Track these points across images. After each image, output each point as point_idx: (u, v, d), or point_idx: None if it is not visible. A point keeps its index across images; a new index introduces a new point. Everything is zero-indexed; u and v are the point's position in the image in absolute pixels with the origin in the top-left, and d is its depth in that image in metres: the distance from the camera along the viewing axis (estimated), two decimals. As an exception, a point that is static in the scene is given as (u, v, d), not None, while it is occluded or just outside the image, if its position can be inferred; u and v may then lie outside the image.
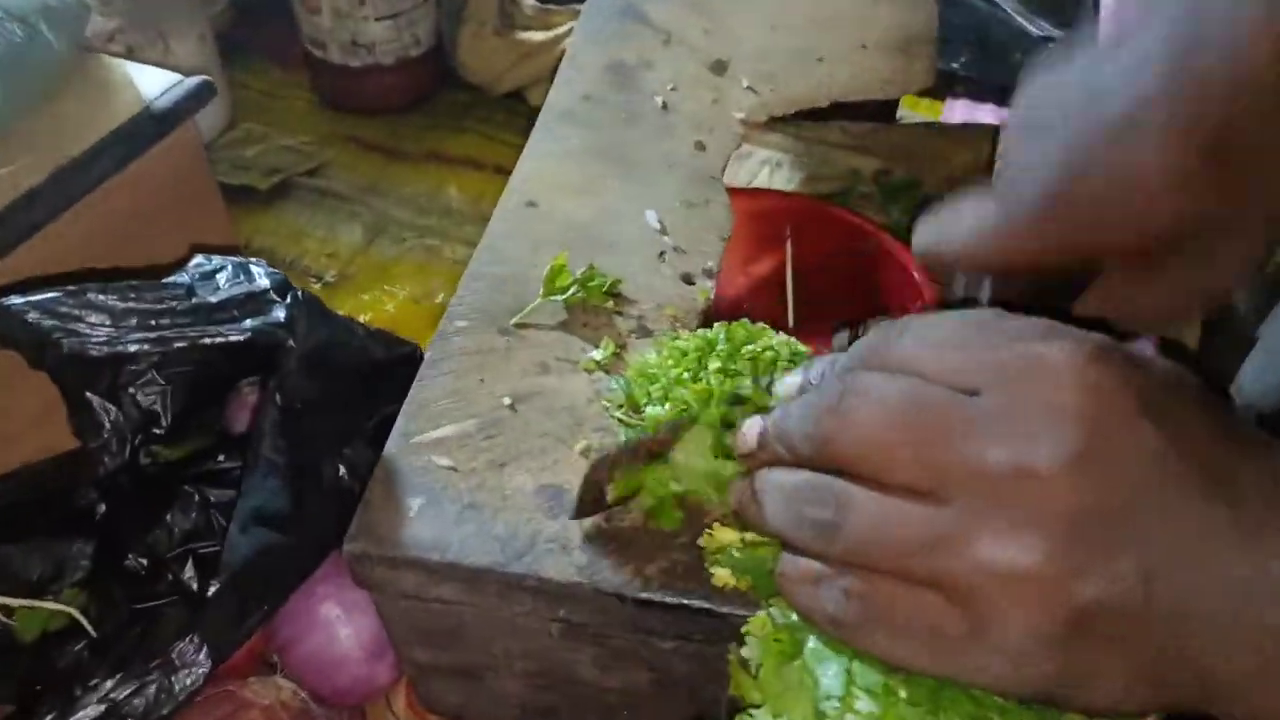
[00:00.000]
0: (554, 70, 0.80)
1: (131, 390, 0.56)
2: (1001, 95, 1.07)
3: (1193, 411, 0.35)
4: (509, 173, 0.68)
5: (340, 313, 0.62)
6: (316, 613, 0.55)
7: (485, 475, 0.49)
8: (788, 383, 0.42)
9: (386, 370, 0.62)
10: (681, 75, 0.77)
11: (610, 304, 0.59)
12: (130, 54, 0.87)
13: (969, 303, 0.47)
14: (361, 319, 0.70)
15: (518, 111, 1.08)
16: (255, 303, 0.49)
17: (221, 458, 0.58)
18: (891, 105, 1.02)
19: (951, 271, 0.47)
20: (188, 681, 0.46)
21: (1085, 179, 0.39)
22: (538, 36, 1.06)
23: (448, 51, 1.10)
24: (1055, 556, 0.32)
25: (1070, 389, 0.33)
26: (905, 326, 0.38)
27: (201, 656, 0.47)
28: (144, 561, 0.56)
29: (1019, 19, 1.11)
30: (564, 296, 0.58)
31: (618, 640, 0.48)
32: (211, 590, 0.48)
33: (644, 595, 0.45)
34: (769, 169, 0.92)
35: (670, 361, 0.51)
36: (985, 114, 1.06)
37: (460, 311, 0.57)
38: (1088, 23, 0.44)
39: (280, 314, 0.49)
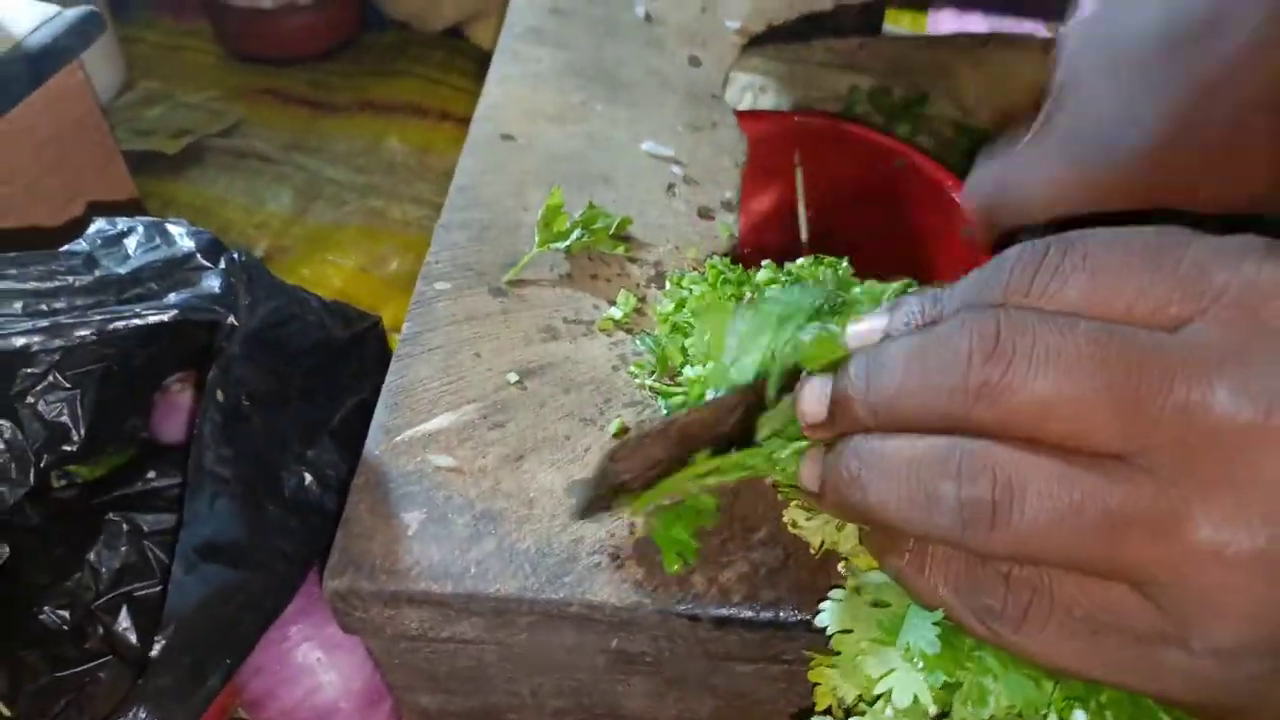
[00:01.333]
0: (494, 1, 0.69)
1: (30, 399, 0.44)
2: (986, 3, 0.98)
3: None
4: (459, 119, 0.57)
5: (359, 309, 0.51)
6: (292, 659, 0.44)
7: (499, 475, 0.38)
8: (863, 329, 0.32)
9: (347, 350, 0.51)
10: (661, -19, 0.66)
11: (621, 249, 0.48)
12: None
13: None
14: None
15: (459, 50, 0.95)
16: (180, 271, 0.38)
17: (152, 474, 0.46)
18: (876, 18, 0.92)
19: (1015, 223, 0.42)
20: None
21: (1180, 149, 0.36)
22: (474, -39, 0.93)
23: (371, -14, 0.97)
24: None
25: None
26: (1066, 246, 0.28)
27: (147, 737, 0.36)
28: (65, 614, 0.44)
29: (998, -80, 1.02)
30: (566, 244, 0.47)
31: (681, 667, 0.39)
32: (156, 647, 0.37)
33: (723, 612, 0.35)
34: (752, 94, 0.82)
35: (712, 298, 0.41)
36: (974, 22, 0.97)
37: (439, 270, 0.46)
38: None
39: (214, 283, 0.37)
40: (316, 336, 0.47)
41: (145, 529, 0.45)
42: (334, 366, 0.50)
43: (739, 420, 0.36)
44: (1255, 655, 0.26)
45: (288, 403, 0.45)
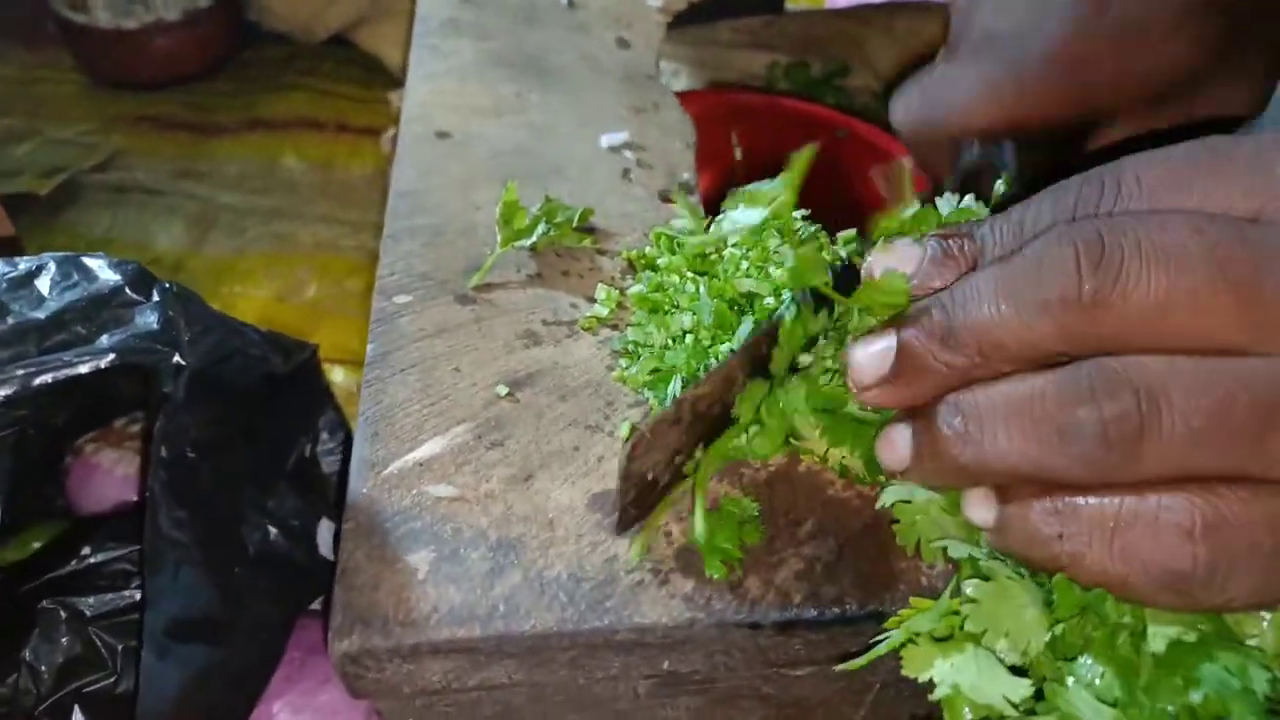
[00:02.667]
0: (381, 5, 0.64)
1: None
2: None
3: None
4: (358, 130, 0.53)
5: (295, 339, 0.46)
6: (281, 735, 0.39)
7: (509, 498, 0.34)
8: (898, 254, 0.30)
9: (288, 385, 0.45)
10: (571, -39, 0.63)
11: (587, 241, 0.45)
12: None
13: (983, 173, 0.44)
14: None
15: (348, 58, 0.89)
16: (108, 309, 0.32)
17: (87, 550, 0.40)
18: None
19: (945, 138, 0.45)
20: None
21: (1097, 33, 0.39)
22: (357, -37, 0.87)
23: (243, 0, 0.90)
24: None
25: None
26: (1117, 173, 0.27)
27: None
28: (1, 723, 0.38)
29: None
30: (530, 241, 0.43)
31: (732, 681, 0.35)
32: (130, 755, 0.31)
33: (787, 616, 0.32)
34: (665, 79, 0.79)
35: (675, 267, 0.39)
36: (871, -7, 0.96)
37: (396, 283, 0.42)
38: None
39: (151, 319, 0.32)
40: (259, 371, 0.41)
41: (88, 614, 0.39)
42: (278, 404, 0.45)
43: (746, 381, 0.33)
44: None
45: (236, 449, 0.40)
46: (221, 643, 0.34)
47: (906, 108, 0.46)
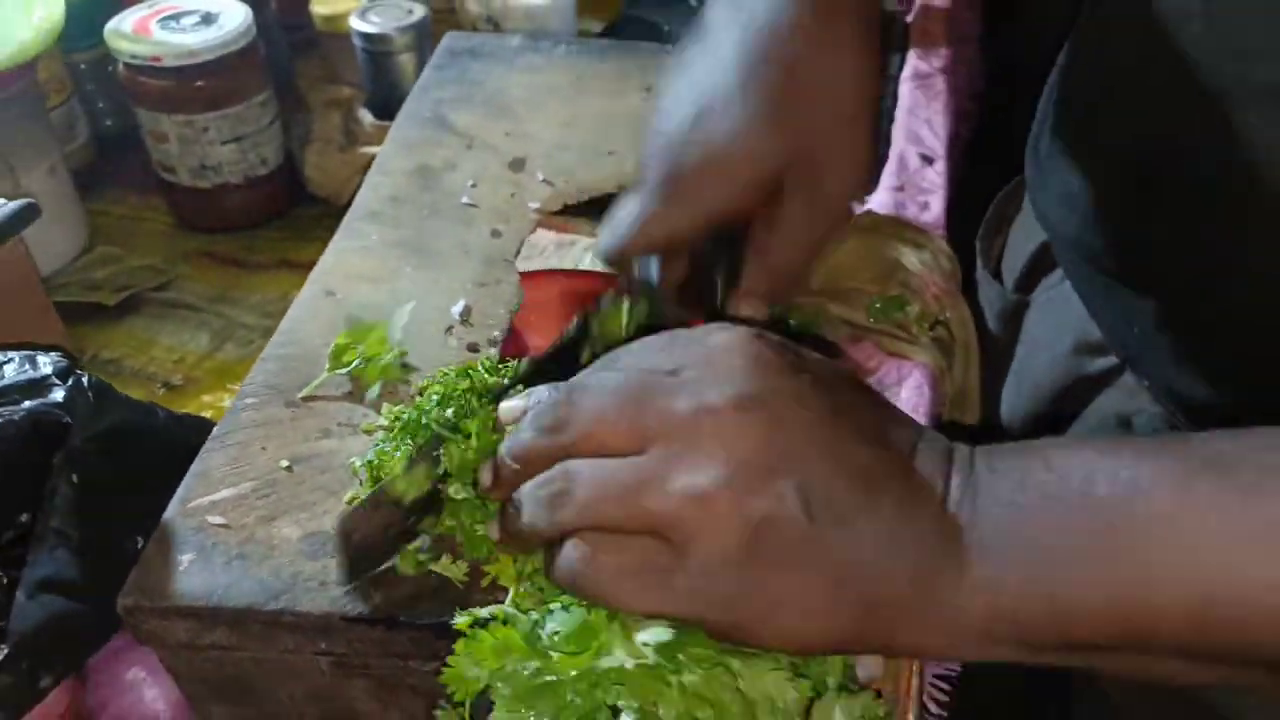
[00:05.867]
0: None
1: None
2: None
3: (846, 384, 0.43)
4: None
5: (184, 412, 0.68)
6: (122, 675, 0.59)
7: (254, 529, 0.54)
8: (513, 406, 0.48)
9: (195, 453, 0.67)
10: (483, 174, 0.85)
11: (395, 375, 0.65)
12: (-22, 187, 0.93)
13: (648, 288, 0.54)
14: (204, 415, 0.75)
15: (363, 219, 1.15)
16: (38, 388, 0.55)
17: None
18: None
19: (628, 261, 0.54)
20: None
21: (684, 161, 0.49)
22: (376, 150, 1.14)
23: (298, 169, 1.18)
24: (728, 480, 0.39)
25: (739, 354, 0.42)
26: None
27: (-11, 718, 0.50)
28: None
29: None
30: (348, 370, 0.64)
31: (384, 669, 0.53)
32: (0, 656, 0.52)
33: (390, 617, 0.50)
34: (590, 254, 1.00)
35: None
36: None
37: (250, 390, 0.63)
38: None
39: (59, 395, 0.54)
40: (161, 441, 0.63)
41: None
42: (182, 465, 0.66)
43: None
44: (728, 574, 0.39)
45: (131, 490, 0.61)
46: (77, 600, 0.54)
47: (600, 238, 0.54)
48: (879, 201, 1.08)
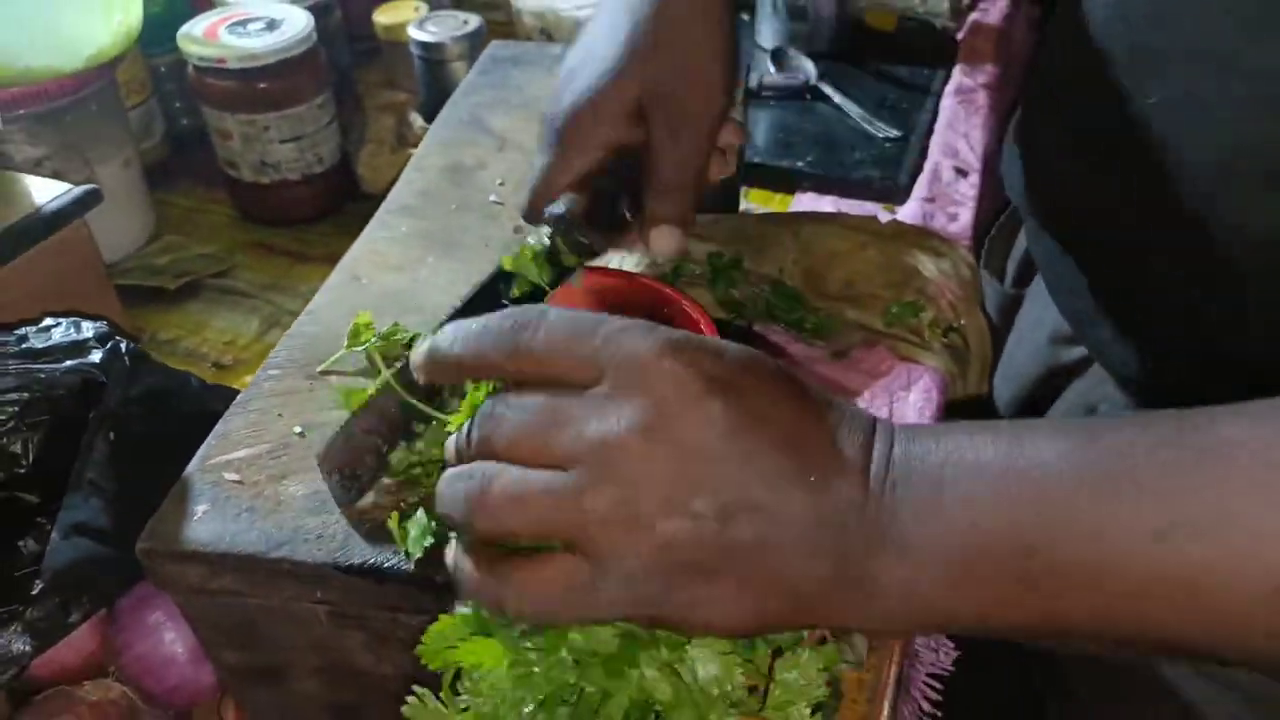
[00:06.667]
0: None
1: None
2: (843, 187, 1.19)
3: (764, 386, 0.44)
4: None
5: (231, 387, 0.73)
6: (145, 619, 0.64)
7: (265, 486, 0.59)
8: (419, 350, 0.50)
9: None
10: (512, 173, 0.90)
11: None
12: (57, 177, 1.01)
13: (559, 221, 0.65)
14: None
15: (410, 217, 1.21)
16: (80, 350, 0.60)
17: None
18: (733, 198, 1.15)
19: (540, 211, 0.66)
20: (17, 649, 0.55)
21: (562, 112, 0.61)
22: (425, 151, 1.20)
23: (352, 168, 1.24)
24: (638, 503, 0.41)
25: (649, 375, 0.42)
26: (537, 326, 0.47)
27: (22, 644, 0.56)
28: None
29: (863, 123, 1.25)
30: (364, 347, 0.69)
31: (376, 622, 0.57)
32: (35, 589, 0.57)
33: (385, 569, 0.54)
34: (617, 259, 1.04)
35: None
36: (826, 204, 1.18)
37: (275, 363, 0.68)
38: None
39: (97, 357, 0.60)
40: (194, 406, 0.69)
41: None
42: (210, 430, 0.71)
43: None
44: (646, 582, 0.41)
45: (164, 448, 0.66)
46: (107, 545, 0.60)
47: (524, 204, 0.66)
48: (908, 212, 1.10)
